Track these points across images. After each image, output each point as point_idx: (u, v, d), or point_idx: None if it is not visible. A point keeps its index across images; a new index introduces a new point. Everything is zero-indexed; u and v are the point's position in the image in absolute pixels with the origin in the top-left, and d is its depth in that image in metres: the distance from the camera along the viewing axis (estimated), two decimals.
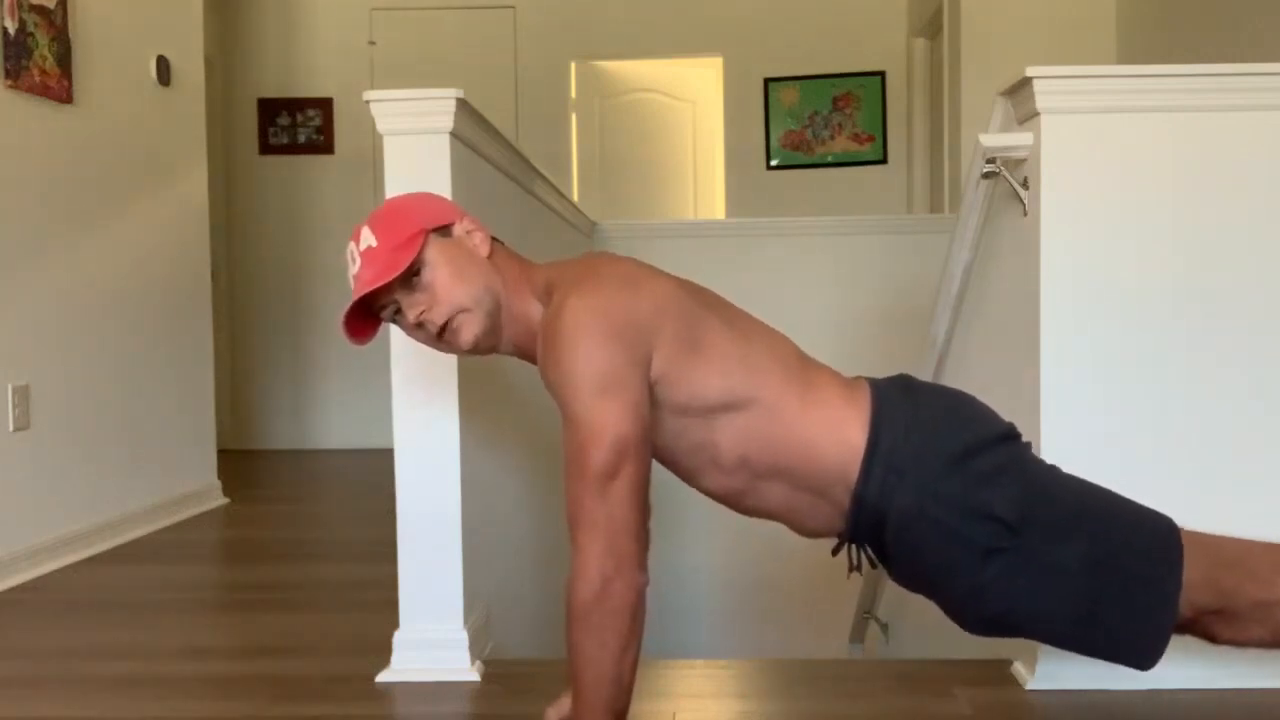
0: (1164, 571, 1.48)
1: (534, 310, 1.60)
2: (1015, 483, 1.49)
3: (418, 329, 1.60)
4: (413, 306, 1.58)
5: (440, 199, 1.71)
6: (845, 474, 1.51)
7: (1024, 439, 1.59)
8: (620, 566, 1.41)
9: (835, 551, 1.64)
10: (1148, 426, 2.02)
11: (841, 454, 1.51)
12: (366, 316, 1.63)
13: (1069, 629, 1.52)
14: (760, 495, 1.57)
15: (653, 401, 1.49)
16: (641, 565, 1.45)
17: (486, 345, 1.62)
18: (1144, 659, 1.52)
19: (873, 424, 1.51)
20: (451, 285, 1.56)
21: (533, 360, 1.64)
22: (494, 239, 1.67)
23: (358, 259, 1.58)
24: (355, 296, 1.57)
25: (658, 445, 1.53)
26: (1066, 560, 1.47)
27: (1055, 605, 1.49)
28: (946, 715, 1.95)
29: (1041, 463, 1.59)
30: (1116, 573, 1.48)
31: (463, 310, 1.57)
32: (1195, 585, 1.48)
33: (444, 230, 1.61)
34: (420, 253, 1.56)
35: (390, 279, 1.54)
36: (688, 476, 1.60)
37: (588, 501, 1.42)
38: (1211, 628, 1.53)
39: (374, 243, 1.57)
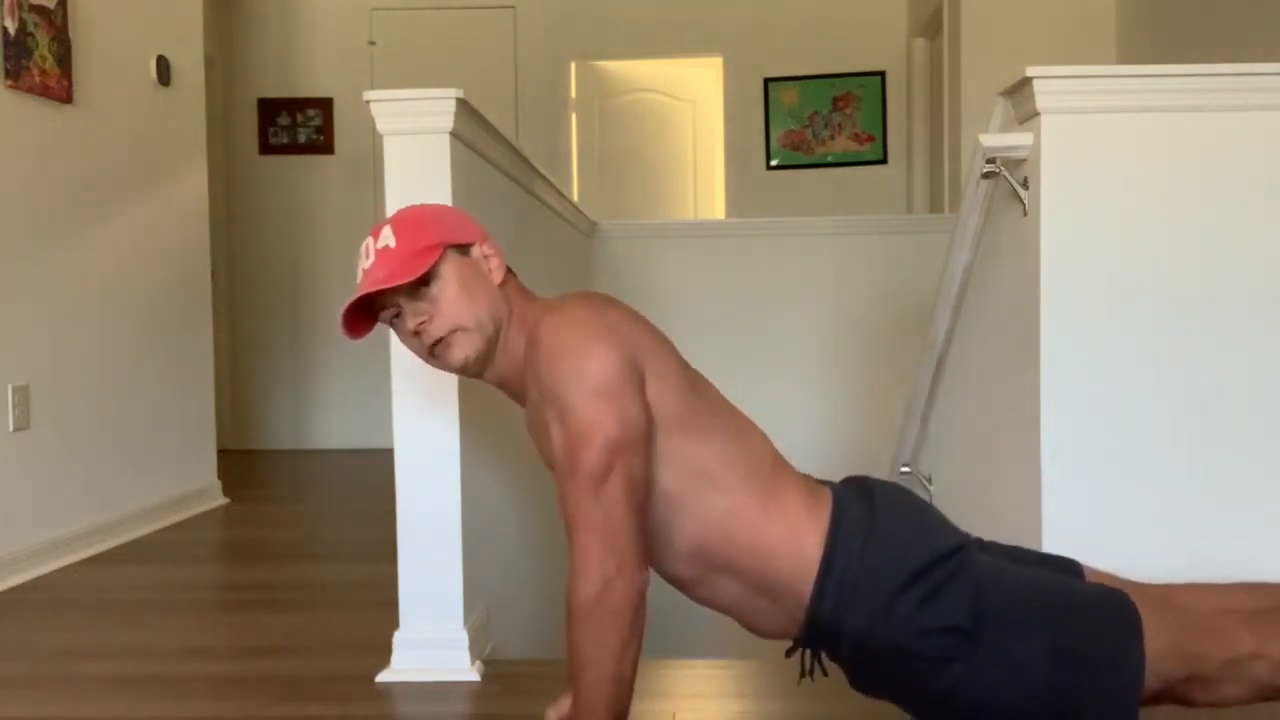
0: (1126, 649, 1.46)
1: (523, 347, 1.60)
2: (966, 590, 1.47)
3: (413, 337, 1.60)
4: (415, 315, 1.58)
5: (466, 217, 1.71)
6: (799, 586, 1.50)
7: (973, 539, 1.58)
8: (621, 566, 1.41)
9: (789, 654, 1.62)
10: (1147, 426, 2.01)
11: (796, 566, 1.50)
12: (366, 314, 1.64)
13: (1043, 716, 1.49)
14: (713, 588, 1.56)
15: None
16: (643, 564, 1.45)
17: (475, 369, 1.62)
18: None
19: (829, 540, 1.49)
20: (457, 303, 1.57)
21: (514, 396, 1.65)
22: (509, 270, 1.67)
23: (373, 255, 1.58)
24: (361, 291, 1.57)
25: None
26: (1031, 658, 1.45)
27: (1027, 700, 1.47)
28: None
29: (990, 563, 1.56)
30: (1082, 660, 1.46)
31: (461, 329, 1.57)
32: (1161, 655, 1.46)
33: (463, 248, 1.61)
34: (436, 264, 1.57)
35: (401, 283, 1.55)
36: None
37: (583, 503, 1.42)
38: (1186, 694, 1.51)
39: (392, 243, 1.57)
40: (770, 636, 1.61)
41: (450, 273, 1.58)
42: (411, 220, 1.62)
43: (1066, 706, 1.47)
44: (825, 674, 1.60)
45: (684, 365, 1.58)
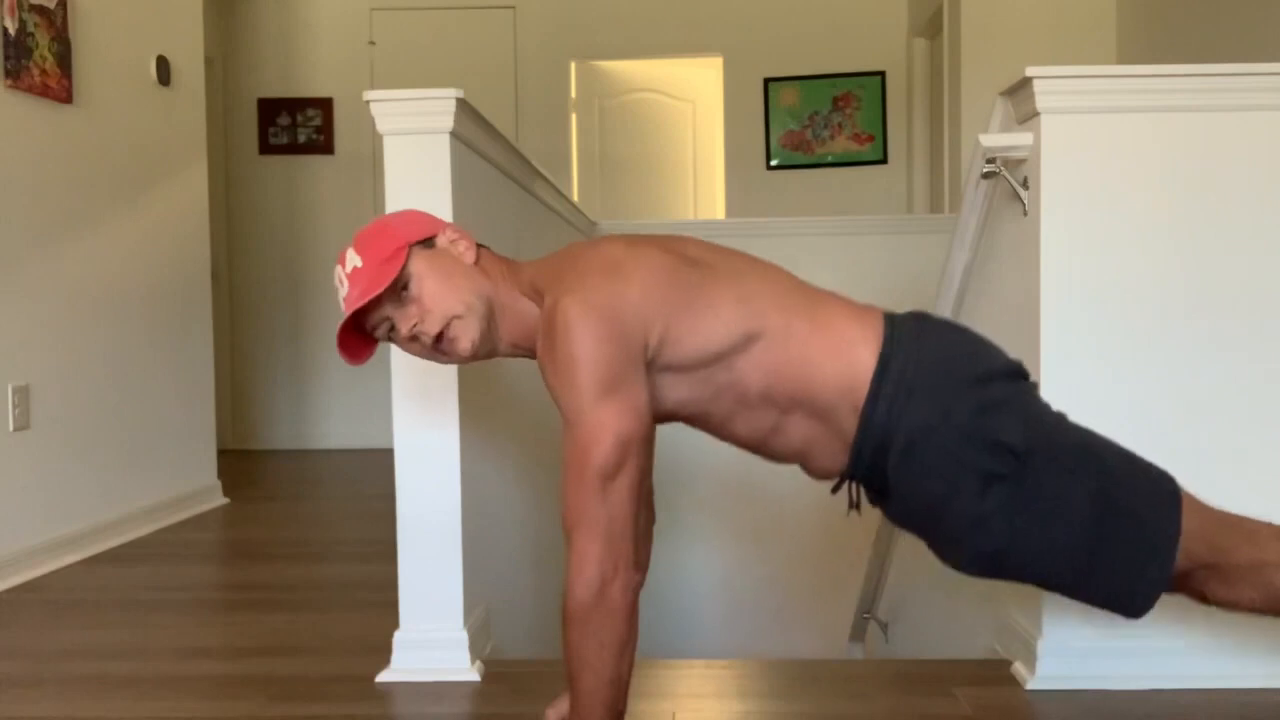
0: (1165, 515, 1.48)
1: (527, 307, 1.60)
2: (1023, 414, 1.49)
3: (412, 342, 1.60)
4: (405, 320, 1.58)
5: (421, 214, 1.71)
6: (855, 391, 1.50)
7: (1033, 380, 1.60)
8: (618, 567, 1.42)
9: (835, 489, 1.63)
10: (1148, 426, 2.01)
11: (850, 372, 1.50)
12: (362, 337, 1.64)
13: (1066, 568, 1.51)
14: (786, 432, 1.56)
15: (661, 366, 1.50)
16: (636, 565, 1.46)
17: (485, 350, 1.62)
18: (1137, 606, 1.51)
19: (884, 345, 1.51)
20: (440, 294, 1.57)
21: (534, 356, 1.64)
22: (480, 245, 1.67)
23: (345, 282, 1.59)
24: (345, 316, 1.58)
25: (684, 404, 1.54)
26: (1071, 495, 1.47)
27: (1055, 542, 1.48)
28: (946, 715, 1.95)
29: (1048, 405, 1.58)
30: (1120, 511, 1.48)
31: (455, 317, 1.57)
32: (1193, 535, 1.49)
33: (428, 242, 1.61)
34: (405, 266, 1.57)
35: (377, 294, 1.54)
36: (719, 425, 1.59)
37: (589, 502, 1.42)
38: (1205, 584, 1.53)
39: (359, 263, 1.58)
40: (828, 474, 1.61)
41: (423, 268, 1.58)
42: (370, 235, 1.62)
43: (1089, 557, 1.48)
44: (873, 504, 1.61)
45: (680, 252, 1.56)
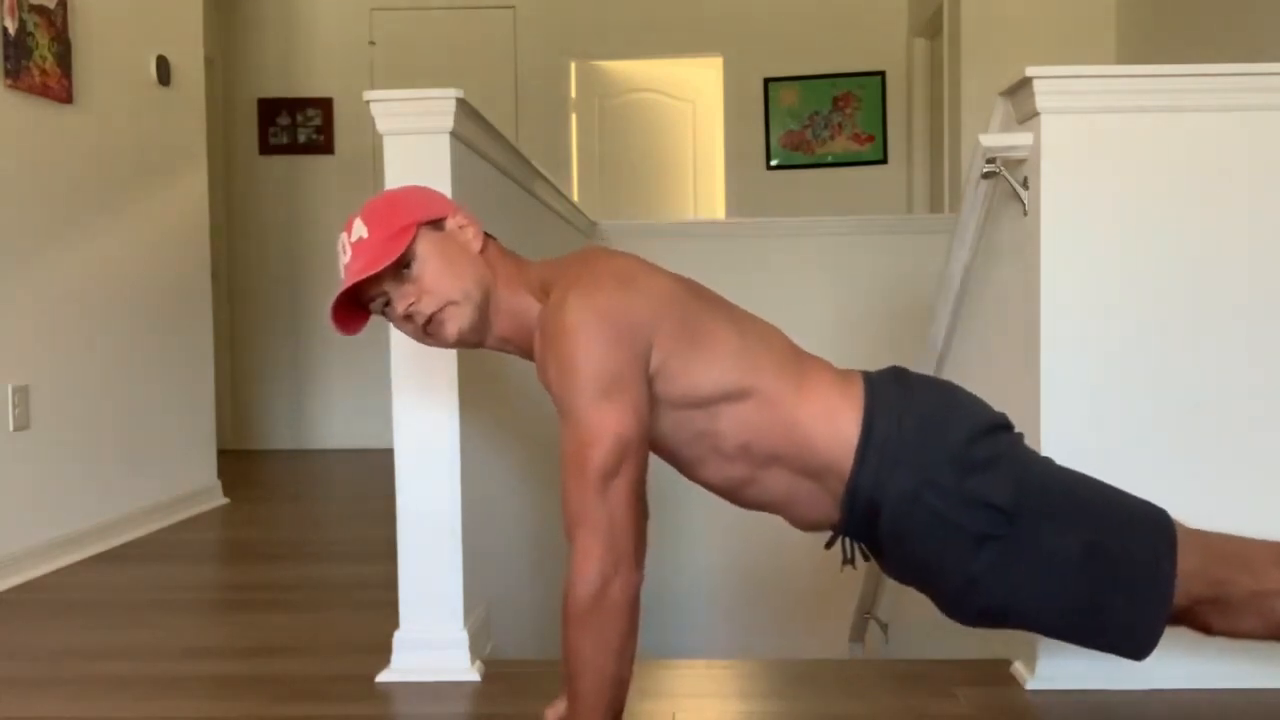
0: (1160, 558, 1.48)
1: (528, 305, 1.60)
2: (1010, 471, 1.49)
3: (405, 321, 1.60)
4: (402, 298, 1.58)
5: (434, 193, 1.71)
6: (840, 463, 1.51)
7: (1017, 430, 1.59)
8: (619, 566, 1.42)
9: (829, 544, 1.64)
10: (1148, 426, 2.02)
11: (835, 443, 1.51)
12: (355, 308, 1.64)
13: (1065, 618, 1.51)
14: (762, 484, 1.57)
15: (651, 396, 1.50)
16: (638, 564, 1.45)
17: (472, 340, 1.62)
18: (1140, 648, 1.52)
19: (866, 413, 1.51)
20: (440, 278, 1.56)
21: (527, 356, 1.64)
22: (487, 235, 1.66)
23: (349, 250, 1.58)
24: (344, 286, 1.57)
25: (656, 437, 1.53)
26: (1064, 548, 1.46)
27: (1052, 594, 1.48)
28: (946, 715, 1.95)
29: (1035, 454, 1.59)
30: (1114, 559, 1.47)
31: (450, 303, 1.57)
32: (1190, 574, 1.48)
33: (437, 224, 1.61)
34: (411, 245, 1.56)
35: (379, 269, 1.54)
36: (688, 467, 1.60)
37: (589, 502, 1.42)
38: (1206, 618, 1.53)
39: (365, 234, 1.57)
40: (813, 527, 1.62)
41: (428, 250, 1.57)
42: (380, 207, 1.62)
43: (1088, 607, 1.48)
44: (867, 559, 1.61)
45: (686, 292, 1.56)
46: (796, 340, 1.65)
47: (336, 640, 2.50)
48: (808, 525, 1.62)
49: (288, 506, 4.61)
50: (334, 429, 6.22)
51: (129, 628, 2.67)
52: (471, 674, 2.15)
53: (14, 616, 2.79)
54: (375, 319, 1.67)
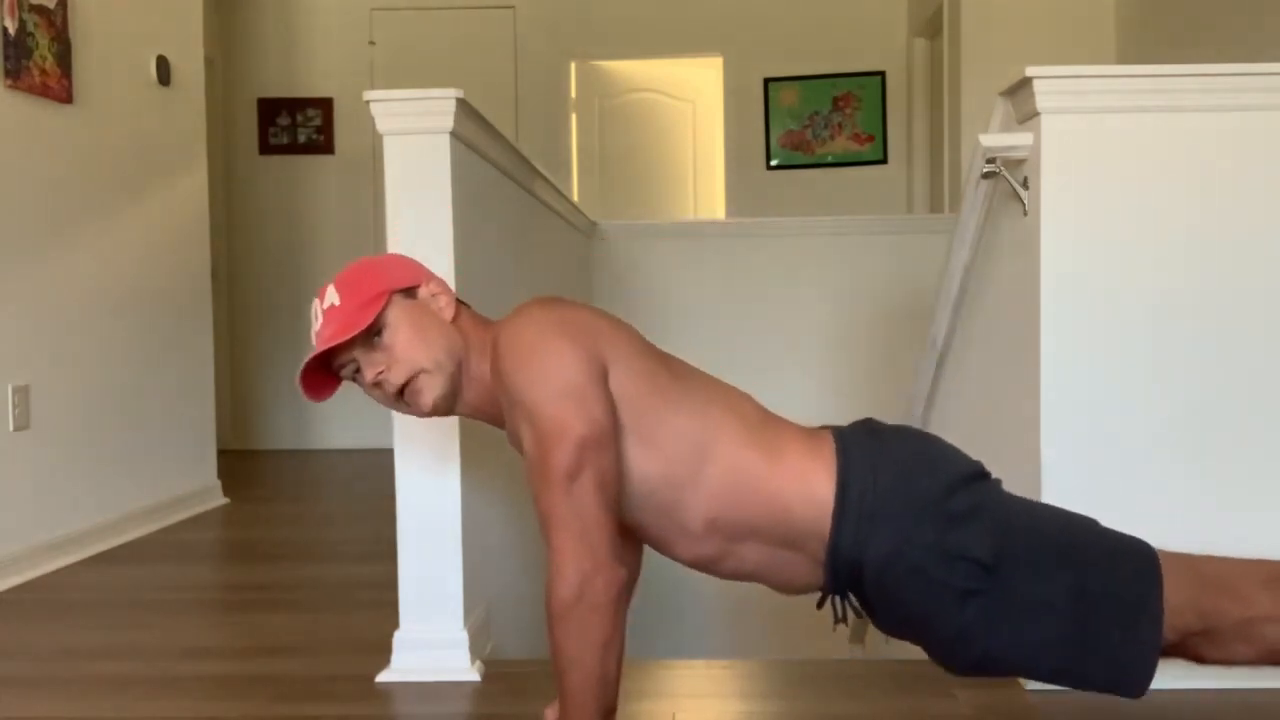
0: (1147, 595, 1.46)
1: (489, 372, 1.58)
2: (989, 522, 1.47)
3: (375, 388, 1.60)
4: (371, 366, 1.57)
5: (408, 260, 1.71)
6: (818, 527, 1.48)
7: (994, 477, 1.57)
8: (597, 562, 1.42)
9: (820, 605, 1.62)
10: (1148, 426, 2.02)
11: (812, 506, 1.48)
12: (326, 374, 1.64)
13: (1057, 664, 1.50)
14: (737, 558, 1.54)
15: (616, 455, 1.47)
16: (619, 559, 1.45)
17: (445, 407, 1.61)
18: (1135, 687, 1.50)
19: (840, 473, 1.48)
20: (411, 347, 1.56)
21: (498, 424, 1.63)
22: (461, 302, 1.66)
23: (320, 316, 1.59)
24: (313, 353, 1.58)
25: (625, 510, 1.51)
26: (1049, 594, 1.45)
27: (1041, 642, 1.47)
28: (946, 715, 1.95)
29: (1014, 498, 1.56)
30: (1101, 601, 1.46)
31: (422, 371, 1.56)
32: (1178, 608, 1.46)
33: (409, 292, 1.61)
34: (383, 313, 1.56)
35: (349, 337, 1.54)
36: (658, 544, 1.58)
37: (556, 502, 1.42)
38: (1197, 649, 1.51)
39: (337, 301, 1.57)
40: (800, 591, 1.60)
41: (399, 318, 1.57)
42: (353, 274, 1.62)
43: (1078, 651, 1.47)
44: (859, 615, 1.59)
45: (648, 347, 1.56)
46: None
47: (336, 640, 2.50)
48: (794, 590, 1.60)
49: (288, 506, 4.61)
50: (334, 429, 6.22)
51: (129, 628, 2.67)
52: (471, 674, 2.15)
53: (14, 616, 2.79)
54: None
